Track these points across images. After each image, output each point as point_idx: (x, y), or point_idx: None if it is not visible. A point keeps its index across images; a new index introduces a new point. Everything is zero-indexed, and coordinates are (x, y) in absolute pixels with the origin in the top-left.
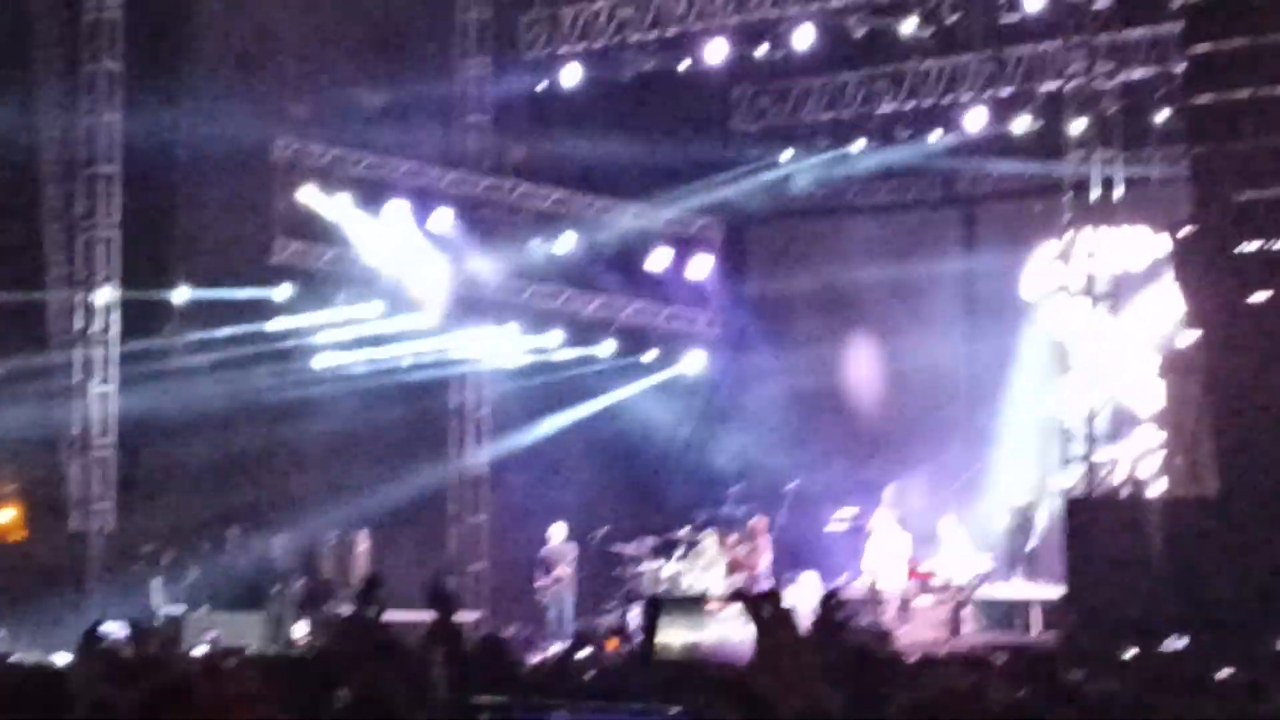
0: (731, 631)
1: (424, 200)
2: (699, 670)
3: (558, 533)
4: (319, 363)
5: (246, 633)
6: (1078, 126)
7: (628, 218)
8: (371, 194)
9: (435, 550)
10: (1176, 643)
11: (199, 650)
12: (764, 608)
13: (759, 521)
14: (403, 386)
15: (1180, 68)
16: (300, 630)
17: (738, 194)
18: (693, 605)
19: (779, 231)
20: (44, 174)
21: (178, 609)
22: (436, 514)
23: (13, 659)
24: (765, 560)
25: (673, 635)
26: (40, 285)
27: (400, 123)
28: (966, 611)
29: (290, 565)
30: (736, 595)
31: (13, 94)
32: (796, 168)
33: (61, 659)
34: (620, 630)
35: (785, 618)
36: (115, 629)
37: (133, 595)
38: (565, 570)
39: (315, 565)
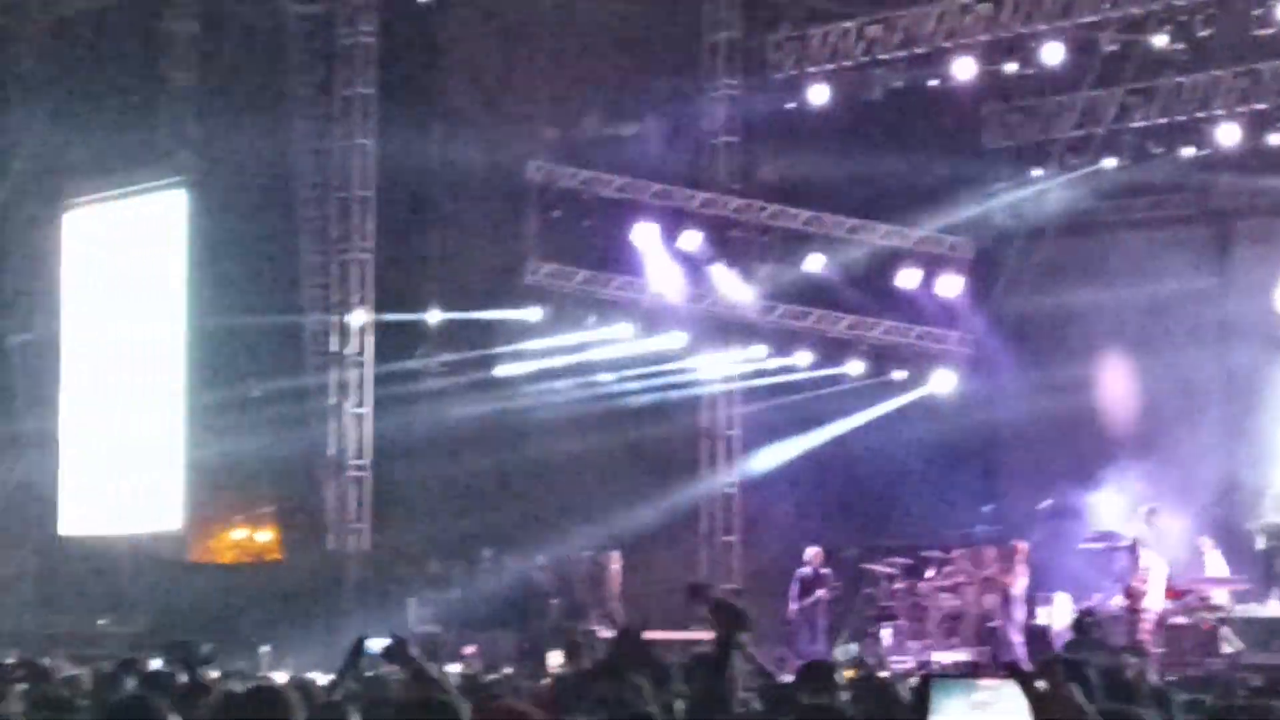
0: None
1: (673, 221)
2: None
3: (814, 556)
4: (571, 384)
5: (501, 653)
6: None
7: (877, 237)
8: (621, 216)
9: (687, 571)
10: None
11: (454, 669)
12: (1037, 686)
13: (1021, 545)
14: (653, 407)
15: None
16: (557, 651)
17: (988, 212)
18: (967, 683)
19: (1030, 249)
20: (299, 198)
21: (434, 628)
22: (688, 534)
23: (273, 676)
24: (1021, 583)
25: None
26: (296, 308)
27: (649, 144)
28: (1224, 631)
29: (545, 586)
30: (1010, 670)
31: (268, 119)
32: (1047, 185)
33: (322, 677)
34: (860, 663)
35: (1061, 696)
36: (378, 646)
37: (389, 614)
38: (823, 594)
39: (569, 586)
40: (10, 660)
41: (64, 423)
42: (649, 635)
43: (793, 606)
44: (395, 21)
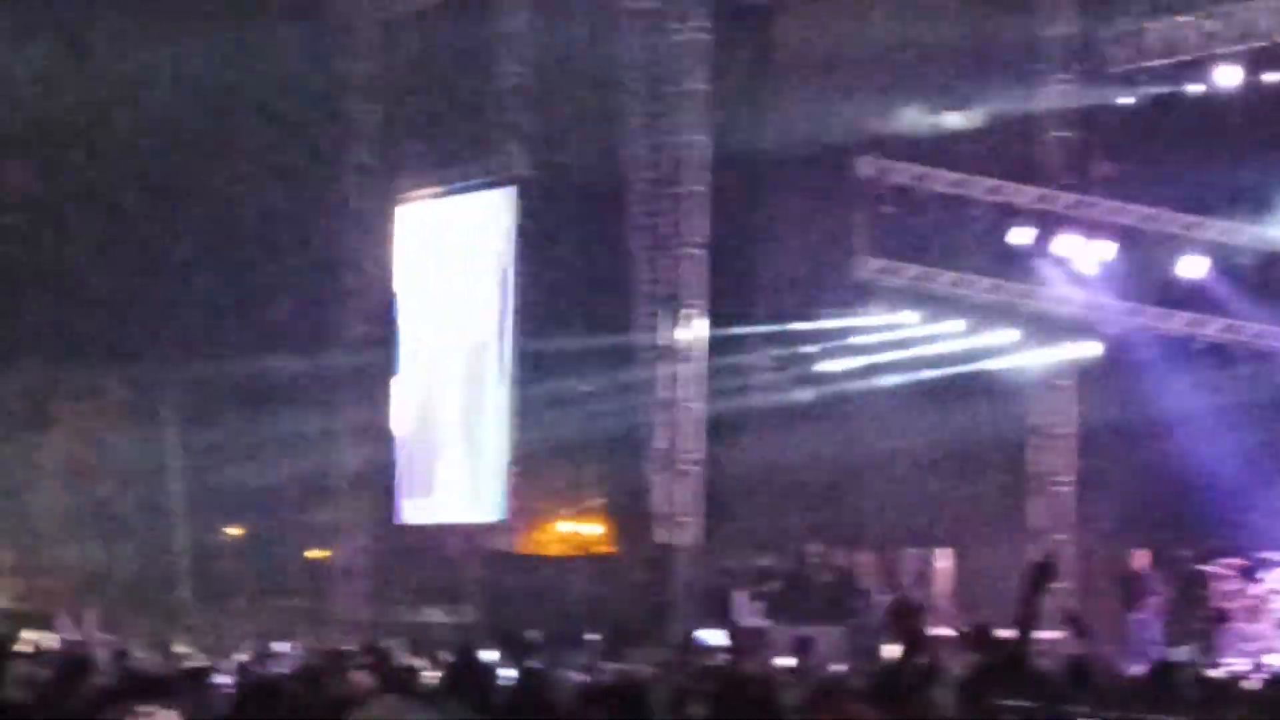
0: None
1: (1005, 217)
2: None
3: (1142, 558)
4: (899, 379)
5: (828, 648)
6: None
7: (1214, 233)
8: (951, 211)
9: (1015, 567)
10: None
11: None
12: None
13: None
14: (982, 404)
15: None
16: (891, 648)
17: None
18: None
19: None
20: (632, 193)
21: (761, 622)
22: (1017, 531)
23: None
24: None
25: None
26: (626, 303)
27: (981, 138)
28: None
29: (873, 581)
30: None
31: (600, 115)
32: None
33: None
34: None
35: None
36: (710, 638)
37: (717, 607)
38: (1155, 598)
39: (896, 582)
40: (351, 647)
41: (396, 413)
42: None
43: (1132, 614)
44: (727, 16)
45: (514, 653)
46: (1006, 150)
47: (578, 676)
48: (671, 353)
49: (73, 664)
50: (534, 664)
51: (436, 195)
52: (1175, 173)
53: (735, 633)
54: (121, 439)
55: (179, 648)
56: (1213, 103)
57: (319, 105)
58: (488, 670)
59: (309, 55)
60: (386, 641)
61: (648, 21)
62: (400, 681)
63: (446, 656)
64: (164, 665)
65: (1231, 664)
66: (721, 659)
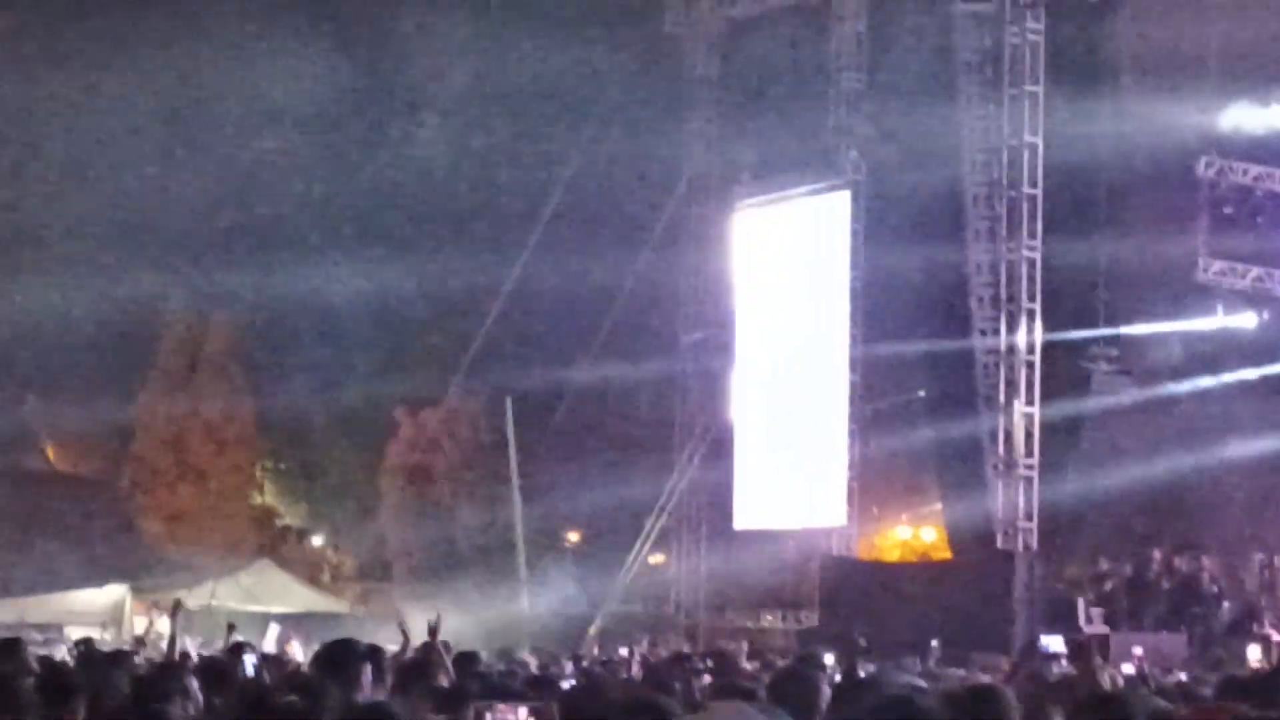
0: None
1: None
2: None
3: None
4: (1239, 382)
5: (1169, 654)
6: None
7: None
8: None
9: None
10: None
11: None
12: None
13: None
14: None
15: None
16: (1253, 654)
17: None
18: None
19: None
20: (968, 196)
21: (1101, 628)
22: None
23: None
24: None
25: None
26: (963, 308)
27: None
28: None
29: (1216, 588)
30: None
31: (936, 119)
32: None
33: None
34: None
35: None
36: (1051, 645)
37: (1058, 614)
38: None
39: (1240, 588)
40: (689, 651)
41: (737, 418)
42: None
43: None
44: (1062, 17)
45: (847, 656)
46: None
47: (917, 682)
48: (1009, 357)
49: (413, 667)
50: (868, 666)
51: (772, 201)
52: None
53: (1076, 639)
54: (459, 446)
55: (522, 654)
56: None
57: (658, 113)
58: (812, 676)
59: (649, 64)
60: (727, 645)
61: (983, 24)
62: (741, 687)
63: (780, 661)
64: (510, 669)
65: None
66: (1064, 666)
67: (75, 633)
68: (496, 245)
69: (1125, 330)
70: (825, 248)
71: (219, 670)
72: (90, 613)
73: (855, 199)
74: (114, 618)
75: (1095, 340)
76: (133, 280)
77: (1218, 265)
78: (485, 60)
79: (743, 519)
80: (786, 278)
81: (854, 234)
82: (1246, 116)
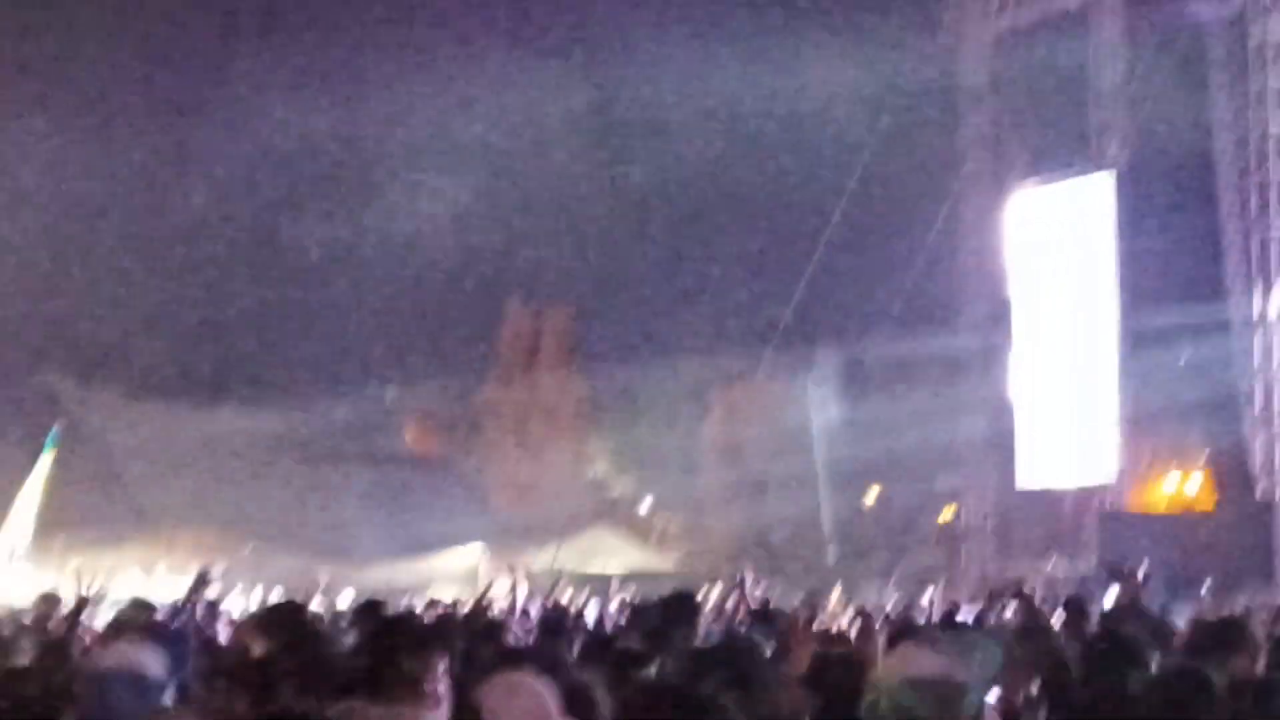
0: None
1: None
2: None
3: None
4: None
5: None
6: None
7: None
8: None
9: None
10: None
11: None
12: None
13: None
14: None
15: None
16: None
17: None
18: None
19: None
20: (1221, 180)
21: None
22: None
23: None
24: None
25: None
26: (1221, 278)
27: None
28: None
29: None
30: None
31: (1191, 110)
32: None
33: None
34: None
35: None
36: None
37: None
38: None
39: None
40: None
41: (1015, 383)
42: None
43: None
44: None
45: (1128, 591)
46: None
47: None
48: (1265, 321)
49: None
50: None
51: (1044, 184)
52: None
53: None
54: (770, 418)
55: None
56: None
57: (939, 112)
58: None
59: (928, 70)
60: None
61: (1231, 23)
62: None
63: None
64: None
65: None
66: None
67: (437, 593)
68: (797, 235)
69: None
70: (1092, 226)
71: (558, 619)
72: (448, 576)
73: (1118, 181)
74: (469, 578)
75: None
76: (476, 276)
77: None
78: (795, 75)
79: (1024, 478)
80: (1058, 254)
81: (1118, 212)
82: None
